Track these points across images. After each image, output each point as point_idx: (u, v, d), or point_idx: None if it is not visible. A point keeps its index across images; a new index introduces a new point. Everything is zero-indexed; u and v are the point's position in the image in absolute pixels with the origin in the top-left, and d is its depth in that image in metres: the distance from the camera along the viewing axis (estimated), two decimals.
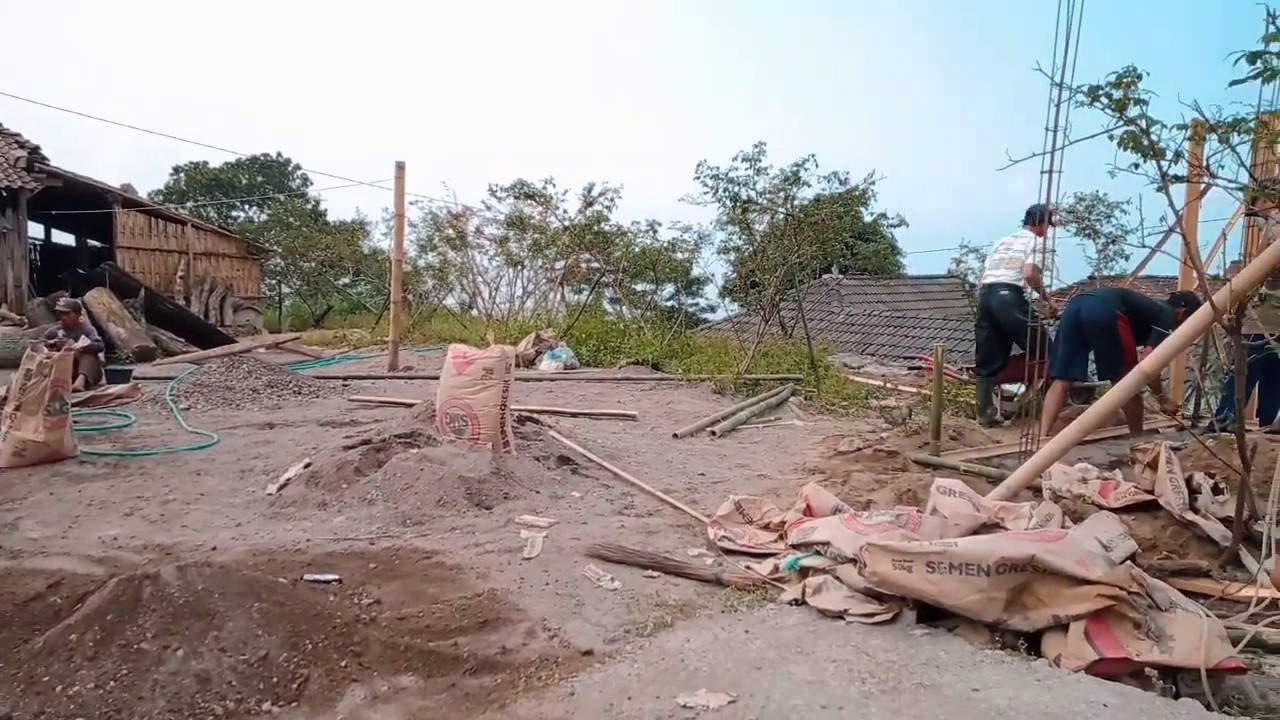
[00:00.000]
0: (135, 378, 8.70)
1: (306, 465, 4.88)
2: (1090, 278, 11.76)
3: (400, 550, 3.73)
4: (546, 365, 10.28)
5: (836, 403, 8.74)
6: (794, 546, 3.55)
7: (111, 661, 2.45)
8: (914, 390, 9.12)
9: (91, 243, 19.37)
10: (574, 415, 7.25)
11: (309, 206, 31.27)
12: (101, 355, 8.90)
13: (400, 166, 10.13)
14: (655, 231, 13.67)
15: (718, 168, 10.66)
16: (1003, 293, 6.84)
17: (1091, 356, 6.41)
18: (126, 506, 4.36)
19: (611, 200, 14.53)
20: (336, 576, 3.33)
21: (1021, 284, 6.80)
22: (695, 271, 15.64)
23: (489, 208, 15.40)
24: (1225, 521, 3.86)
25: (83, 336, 8.53)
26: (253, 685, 2.47)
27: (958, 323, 18.31)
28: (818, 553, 3.36)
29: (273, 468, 5.17)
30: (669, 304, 16.74)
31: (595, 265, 14.29)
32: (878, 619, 2.87)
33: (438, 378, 5.37)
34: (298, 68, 72.26)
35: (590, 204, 14.78)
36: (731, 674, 2.51)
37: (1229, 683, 2.61)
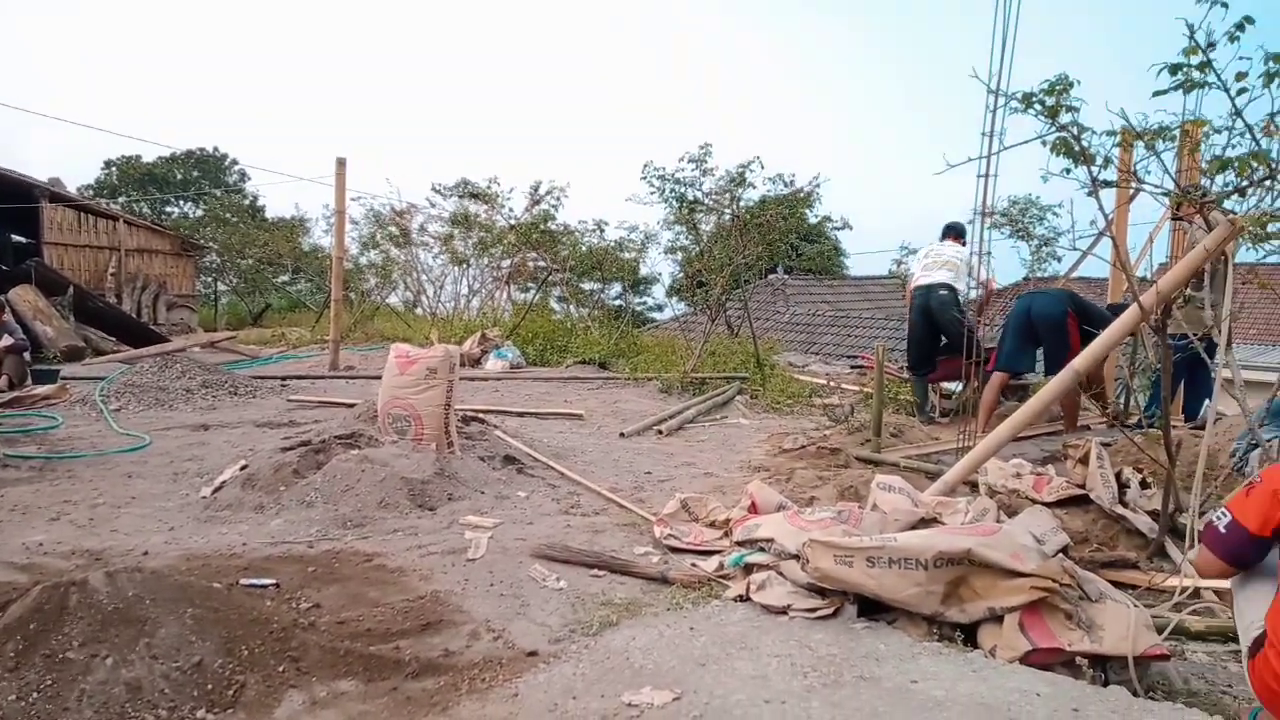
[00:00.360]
0: (63, 378, 8.38)
1: (243, 467, 4.76)
2: (1025, 279, 12.08)
3: (340, 553, 3.66)
4: (492, 364, 10.19)
5: (781, 401, 8.83)
6: (739, 544, 3.59)
7: (35, 672, 2.35)
8: (856, 388, 9.27)
9: (16, 238, 18.59)
10: (520, 415, 7.20)
11: (246, 202, 30.46)
12: (27, 355, 8.57)
13: (341, 163, 9.94)
14: (602, 231, 13.67)
15: (664, 168, 10.70)
16: (942, 292, 7.04)
17: (1040, 353, 6.61)
18: (53, 511, 4.19)
19: (558, 199, 14.49)
20: (274, 581, 3.25)
21: (958, 286, 7.01)
22: (643, 271, 15.68)
23: (433, 205, 15.22)
24: (1152, 514, 4.01)
25: (5, 335, 8.18)
26: (186, 693, 2.40)
27: (898, 322, 18.63)
28: (762, 549, 3.40)
29: (207, 470, 5.03)
30: (616, 303, 16.74)
31: (542, 264, 14.21)
32: (820, 614, 2.91)
33: (380, 377, 5.29)
34: (235, 60, 70.33)
35: (537, 202, 14.70)
36: (676, 671, 2.52)
37: (1155, 669, 2.71)
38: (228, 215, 26.01)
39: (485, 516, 4.23)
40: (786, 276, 23.03)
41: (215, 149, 35.41)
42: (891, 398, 8.34)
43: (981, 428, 6.13)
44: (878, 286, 26.01)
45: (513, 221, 14.32)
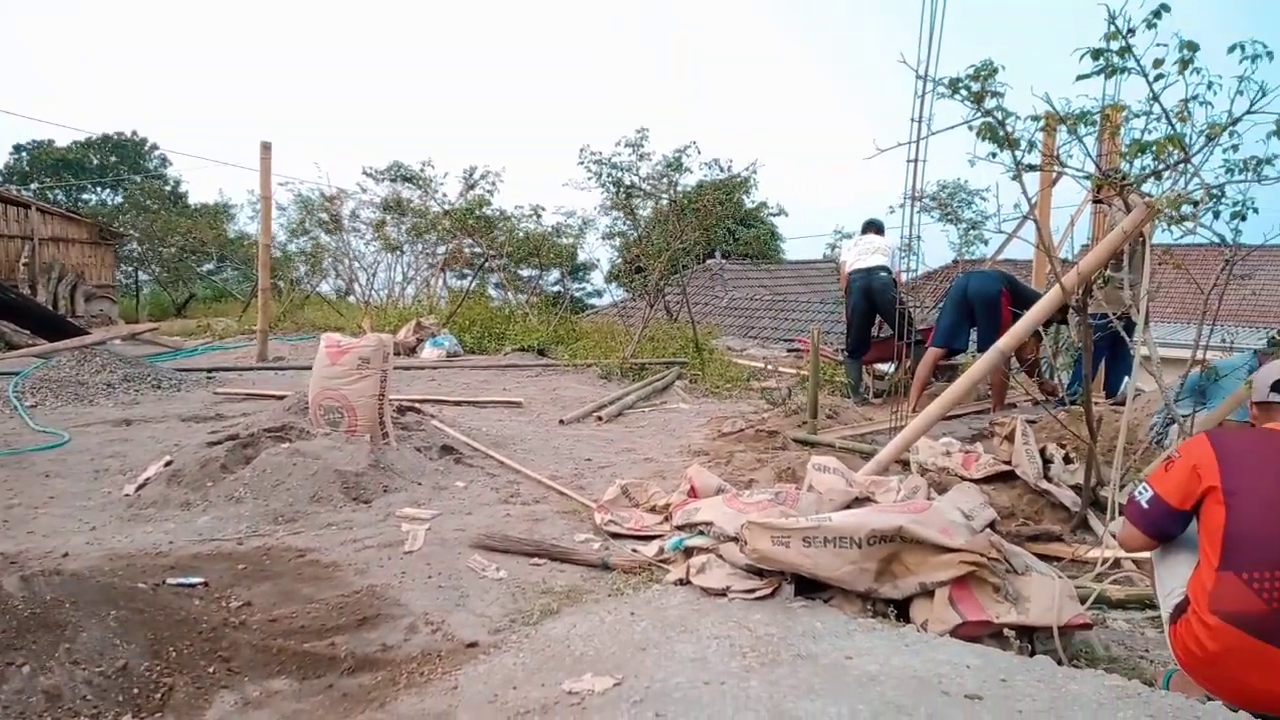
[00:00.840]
0: None
1: (168, 463, 4.60)
2: (954, 262, 12.38)
3: (272, 549, 3.57)
4: (428, 353, 10.04)
5: (720, 385, 8.90)
6: (679, 528, 3.60)
7: None
8: (793, 371, 9.40)
9: None
10: (458, 404, 7.12)
11: (168, 188, 29.32)
12: None
13: (266, 147, 9.63)
14: (539, 216, 13.50)
15: (600, 153, 10.62)
16: (882, 274, 7.27)
17: (974, 332, 6.81)
18: None
19: (493, 184, 14.25)
20: (202, 579, 3.16)
21: (892, 270, 7.23)
22: (581, 257, 15.58)
23: (364, 190, 14.83)
24: (1075, 489, 4.15)
25: None
26: (110, 698, 2.31)
27: (834, 305, 18.91)
28: (701, 533, 3.42)
29: (130, 467, 4.84)
30: (555, 289, 16.61)
31: (478, 250, 14.00)
32: (758, 594, 2.95)
33: (310, 368, 5.15)
34: (153, 41, 67.50)
35: (472, 187, 14.45)
36: (617, 656, 2.52)
37: (1078, 638, 2.82)
38: (148, 202, 24.98)
39: (422, 508, 4.17)
40: (724, 261, 23.18)
41: (134, 133, 34.01)
42: (827, 380, 8.48)
43: (914, 403, 6.28)
44: (814, 271, 26.36)
45: (447, 207, 14.06)
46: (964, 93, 3.64)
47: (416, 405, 6.04)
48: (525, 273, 15.35)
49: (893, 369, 7.49)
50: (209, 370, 8.78)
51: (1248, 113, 3.39)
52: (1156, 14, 3.32)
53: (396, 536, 3.74)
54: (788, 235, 28.50)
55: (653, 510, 4.08)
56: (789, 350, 12.52)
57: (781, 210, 14.22)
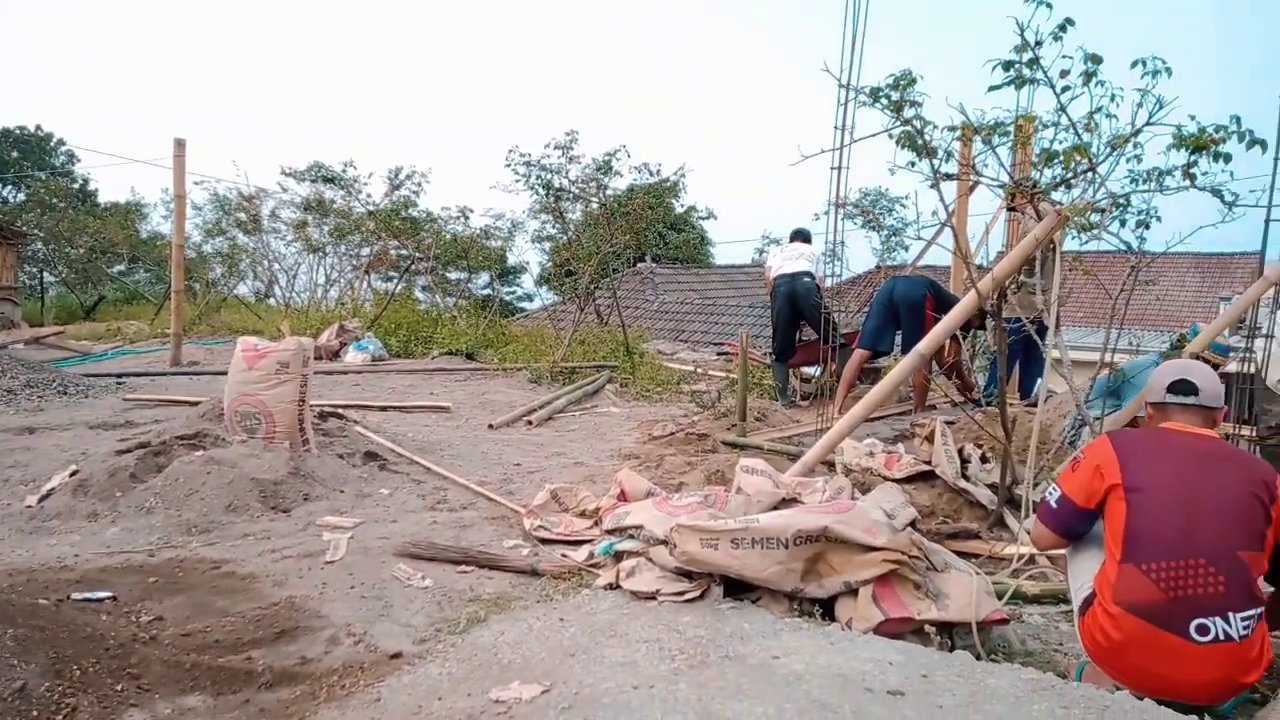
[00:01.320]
0: None
1: (73, 473, 4.38)
2: (877, 267, 12.69)
3: (185, 561, 3.43)
4: (352, 357, 9.80)
5: (651, 389, 8.92)
6: (609, 532, 3.60)
7: None
8: (723, 375, 9.48)
9: None
10: (383, 409, 6.96)
11: (75, 186, 28.04)
12: None
13: (180, 144, 9.28)
14: (467, 218, 13.34)
15: (530, 155, 10.56)
16: (805, 279, 7.38)
17: (899, 334, 6.98)
18: None
19: (419, 185, 14.06)
20: (110, 594, 3.01)
21: (816, 275, 7.36)
22: (510, 260, 15.45)
23: (285, 190, 14.43)
24: (992, 487, 4.29)
25: None
26: None
27: (763, 310, 19.19)
28: (631, 536, 3.42)
29: (33, 477, 4.60)
30: (485, 293, 16.45)
31: (405, 252, 13.76)
32: (688, 596, 2.96)
33: (226, 373, 4.97)
34: (59, 29, 64.42)
35: (397, 187, 14.22)
36: (546, 663, 2.50)
37: (996, 633, 2.91)
38: (54, 200, 23.81)
39: (345, 516, 4.07)
40: (655, 265, 23.30)
41: (38, 128, 32.43)
42: (756, 383, 8.58)
43: (839, 405, 6.40)
44: (743, 275, 26.71)
45: (371, 207, 13.78)
46: (884, 101, 3.73)
47: (339, 411, 5.89)
48: (454, 275, 15.16)
49: (819, 372, 7.62)
50: (119, 375, 8.39)
51: (1148, 124, 3.56)
52: (1062, 27, 3.47)
53: (317, 546, 3.63)
54: (718, 240, 28.84)
55: (583, 515, 4.06)
56: (719, 354, 12.64)
57: (710, 213, 14.38)
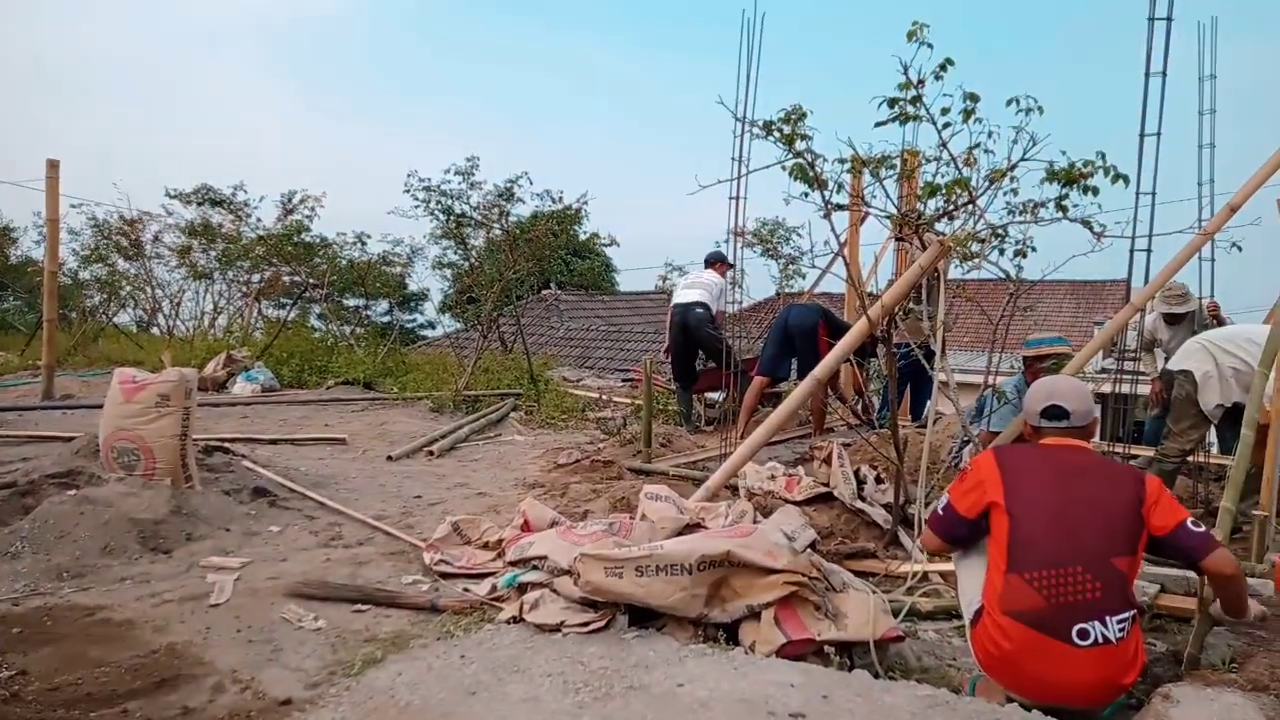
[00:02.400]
0: None
1: None
2: (776, 295, 12.99)
3: (54, 609, 3.19)
4: (241, 388, 9.39)
5: (556, 416, 8.86)
6: (512, 564, 3.53)
7: None
8: (628, 401, 9.51)
9: None
10: (273, 442, 6.68)
11: None
12: None
13: (53, 165, 8.75)
14: (364, 244, 13.01)
15: (429, 179, 10.40)
16: (698, 310, 7.48)
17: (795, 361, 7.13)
18: None
19: (313, 209, 13.62)
20: None
21: (711, 304, 7.46)
22: (412, 286, 15.13)
23: (170, 214, 13.76)
24: (886, 507, 4.41)
25: None
26: None
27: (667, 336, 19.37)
28: (535, 568, 3.36)
29: None
30: (384, 320, 16.05)
31: (298, 278, 13.31)
32: (593, 627, 2.92)
33: (102, 406, 4.68)
34: None
35: (290, 212, 13.75)
36: (445, 703, 2.42)
37: (893, 650, 2.98)
38: None
39: (231, 556, 3.87)
40: (559, 292, 23.26)
41: None
42: (661, 409, 8.63)
43: (741, 429, 6.50)
44: (648, 301, 26.93)
45: (261, 232, 13.29)
46: (776, 134, 3.85)
47: (226, 445, 5.62)
48: (351, 302, 14.75)
49: (722, 397, 7.73)
50: None
51: (1023, 159, 3.78)
52: (943, 67, 3.67)
53: (201, 588, 3.44)
54: (623, 267, 29.03)
55: (485, 547, 3.97)
56: (624, 380, 12.67)
57: (613, 241, 14.46)
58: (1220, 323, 6.43)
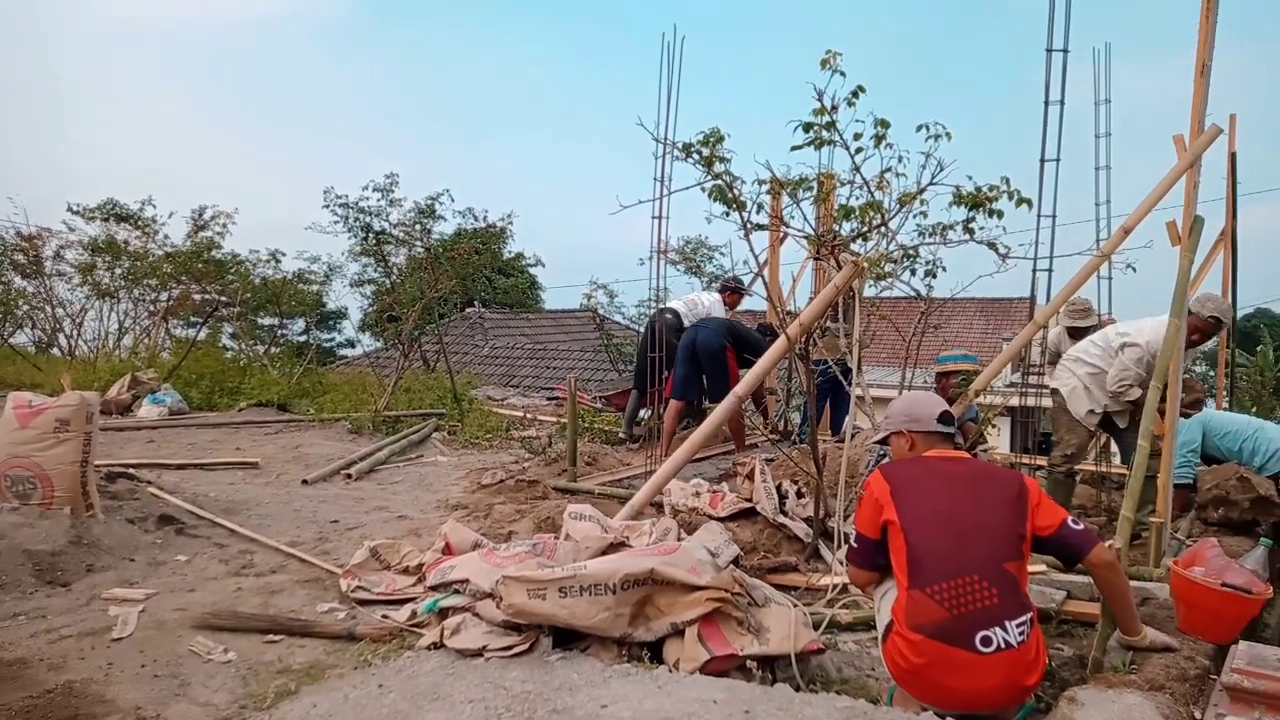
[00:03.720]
0: None
1: None
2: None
3: None
4: (147, 411, 8.99)
5: (480, 436, 8.75)
6: (433, 588, 3.46)
7: None
8: (554, 419, 9.46)
9: None
10: (181, 467, 6.41)
11: None
12: None
13: None
14: (278, 261, 12.66)
15: (347, 196, 10.22)
16: (668, 315, 7.40)
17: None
18: None
19: (224, 225, 13.19)
20: None
21: (685, 315, 7.45)
22: (330, 304, 14.77)
23: (73, 229, 13.12)
24: (807, 521, 4.49)
25: None
26: None
27: (594, 354, 19.38)
28: (457, 592, 3.31)
29: None
30: (301, 339, 15.61)
31: (209, 297, 12.85)
32: (516, 650, 2.89)
33: None
34: None
35: (201, 228, 13.29)
36: None
37: (814, 663, 3.03)
38: None
39: (135, 588, 3.70)
40: (484, 310, 23.03)
41: None
42: (586, 427, 8.61)
43: (665, 447, 6.54)
44: (574, 319, 26.87)
45: (170, 249, 12.80)
46: (696, 157, 3.92)
47: (130, 471, 5.37)
48: (265, 321, 14.30)
49: (647, 414, 7.75)
50: None
51: (931, 183, 3.93)
52: (855, 94, 3.80)
53: (102, 622, 3.29)
54: (549, 285, 28.93)
55: (406, 572, 3.89)
56: (549, 399, 12.61)
57: (539, 260, 14.43)
58: None
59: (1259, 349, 12.96)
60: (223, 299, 12.76)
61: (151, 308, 14.09)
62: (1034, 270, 4.45)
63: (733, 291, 7.87)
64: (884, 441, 3.11)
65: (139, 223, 12.90)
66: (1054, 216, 4.40)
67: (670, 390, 7.14)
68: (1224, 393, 8.10)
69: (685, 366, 6.99)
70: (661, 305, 7.55)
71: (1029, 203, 4.07)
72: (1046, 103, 4.44)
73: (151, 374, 10.04)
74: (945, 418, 2.91)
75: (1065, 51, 4.45)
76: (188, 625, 3.29)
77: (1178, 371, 4.42)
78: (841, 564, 3.87)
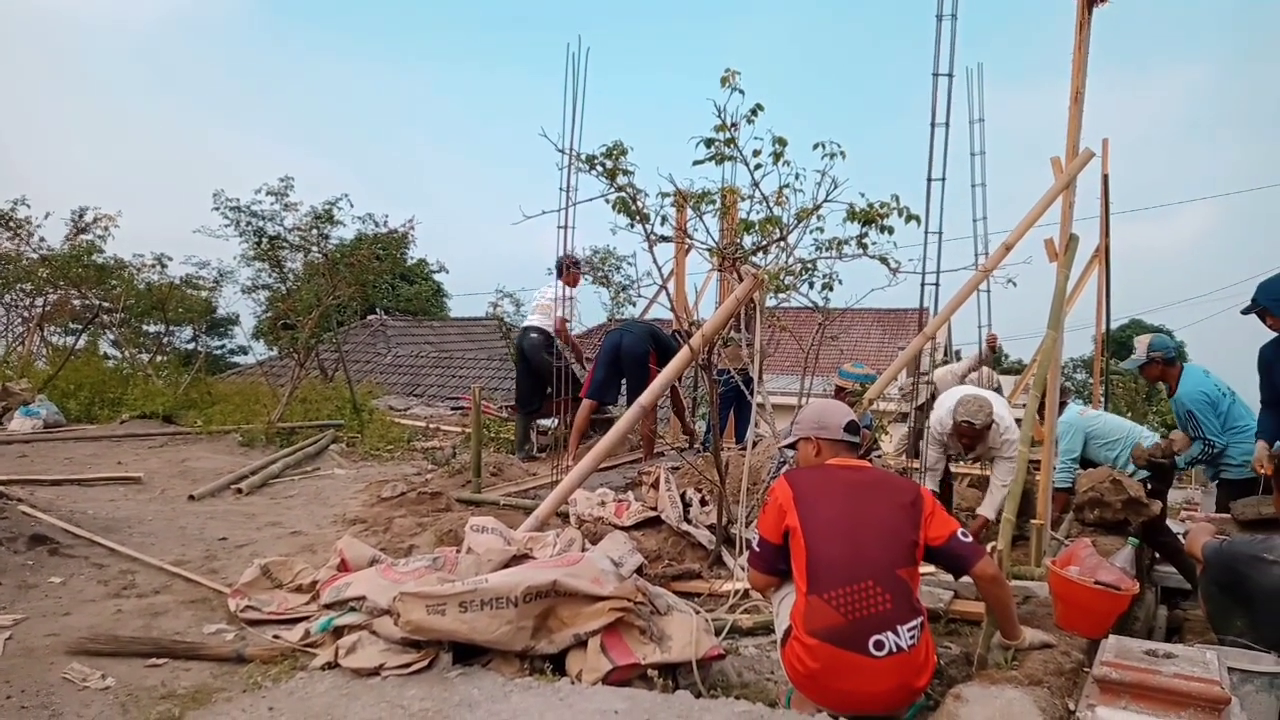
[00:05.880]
0: None
1: None
2: (609, 320, 13.17)
3: None
4: (19, 424, 8.41)
5: (381, 447, 8.53)
6: (327, 606, 3.37)
7: None
8: (459, 429, 9.30)
9: None
10: (56, 483, 6.02)
11: None
12: None
13: None
14: (164, 266, 12.03)
15: (239, 200, 9.81)
16: (533, 335, 7.43)
17: (624, 384, 7.18)
18: None
19: (107, 229, 12.45)
20: None
21: (549, 329, 7.41)
22: (223, 310, 14.13)
23: None
24: (711, 528, 4.56)
25: None
26: None
27: (500, 362, 19.18)
28: (353, 609, 3.23)
29: None
30: (190, 347, 14.88)
31: (90, 303, 12.11)
32: (414, 668, 2.84)
33: None
34: None
35: (81, 231, 12.52)
36: None
37: (715, 669, 3.07)
38: None
39: (3, 613, 3.46)
40: (386, 317, 22.52)
41: None
42: (492, 437, 8.51)
43: (572, 454, 6.52)
44: (480, 328, 26.55)
45: (46, 253, 12.02)
46: (599, 169, 3.94)
47: None
48: (151, 328, 13.58)
49: (554, 423, 7.71)
50: None
51: (826, 200, 4.06)
52: (754, 111, 3.89)
53: None
54: (455, 292, 28.50)
55: (299, 590, 3.76)
56: (454, 408, 12.39)
57: (442, 266, 14.20)
58: (995, 353, 7.12)
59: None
60: (105, 304, 12.05)
61: (25, 314, 13.18)
62: (922, 284, 4.63)
63: (569, 270, 7.44)
64: (792, 446, 3.19)
65: (11, 224, 12.05)
66: (940, 233, 4.59)
67: (586, 390, 7.13)
68: (1099, 399, 8.64)
69: (605, 369, 7.01)
70: (525, 326, 7.49)
71: (918, 219, 4.25)
72: (933, 124, 4.63)
73: (25, 384, 9.40)
74: (851, 427, 3.00)
75: (950, 76, 4.66)
76: (61, 651, 3.09)
77: (1055, 381, 4.69)
78: (743, 569, 3.94)
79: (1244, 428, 5.00)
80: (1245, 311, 4.41)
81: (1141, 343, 5.46)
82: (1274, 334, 4.40)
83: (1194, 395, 5.04)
